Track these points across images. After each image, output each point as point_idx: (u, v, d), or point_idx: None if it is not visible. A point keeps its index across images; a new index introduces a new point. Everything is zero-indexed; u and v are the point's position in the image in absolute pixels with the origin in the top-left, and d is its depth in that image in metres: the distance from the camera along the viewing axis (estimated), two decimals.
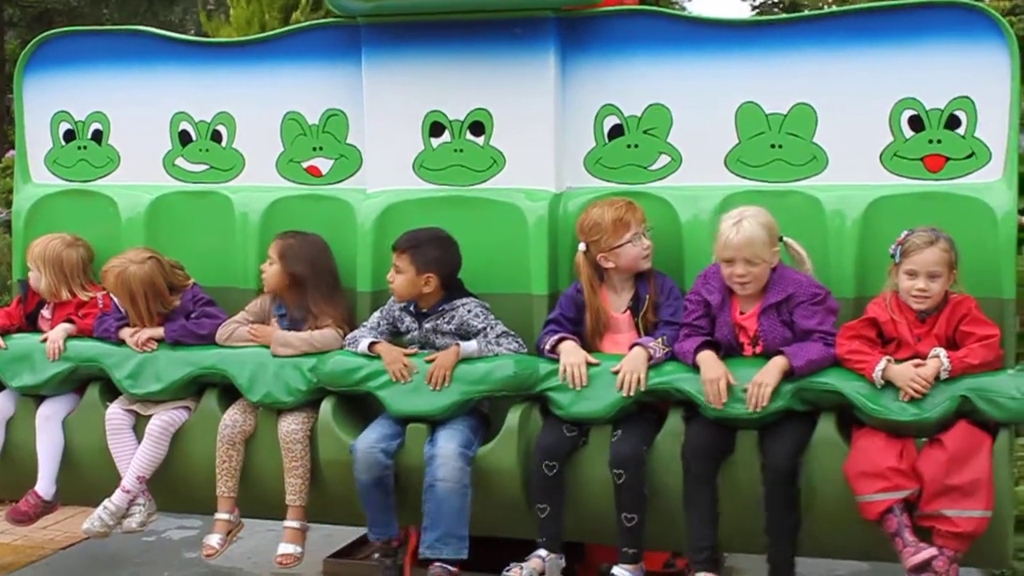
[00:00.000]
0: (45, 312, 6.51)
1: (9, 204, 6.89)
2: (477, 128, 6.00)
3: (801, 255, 5.43)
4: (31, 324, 6.53)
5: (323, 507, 5.88)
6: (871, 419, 5.08)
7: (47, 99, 6.79)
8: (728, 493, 5.29)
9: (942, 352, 5.04)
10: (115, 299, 6.24)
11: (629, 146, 5.87)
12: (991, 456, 4.96)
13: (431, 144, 6.06)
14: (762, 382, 5.12)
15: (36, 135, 6.83)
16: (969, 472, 4.91)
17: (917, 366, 5.01)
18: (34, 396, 6.32)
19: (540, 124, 5.91)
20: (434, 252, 5.73)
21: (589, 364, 5.44)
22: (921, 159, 5.49)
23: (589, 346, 5.58)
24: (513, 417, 5.54)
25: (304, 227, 6.10)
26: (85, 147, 6.73)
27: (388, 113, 6.11)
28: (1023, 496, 6.42)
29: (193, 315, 6.12)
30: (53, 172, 6.80)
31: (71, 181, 6.75)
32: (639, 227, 5.52)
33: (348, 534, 6.56)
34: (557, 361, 5.49)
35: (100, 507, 6.04)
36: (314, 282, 6.00)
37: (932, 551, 4.86)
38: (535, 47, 5.87)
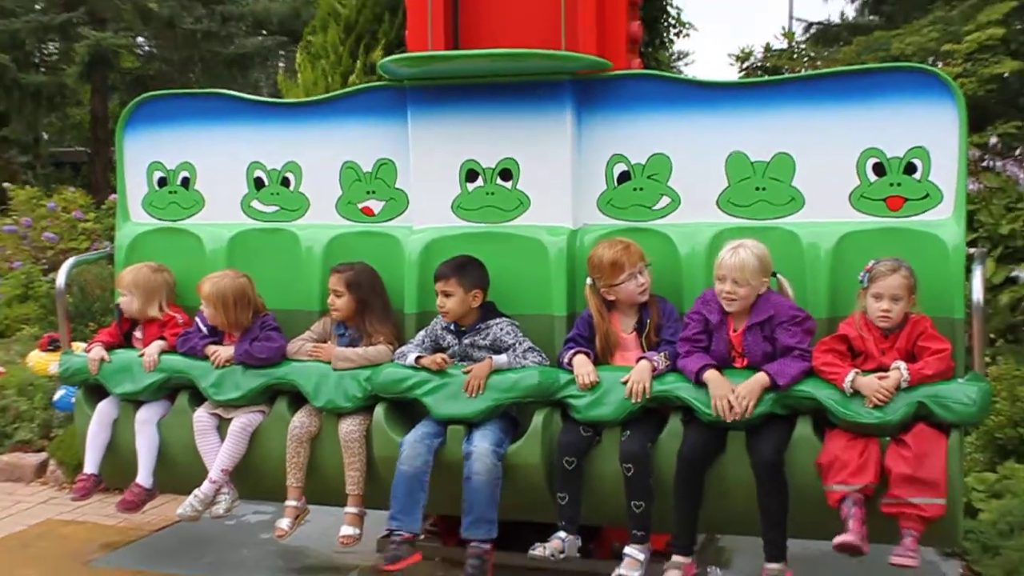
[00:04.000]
0: (137, 332, 6.55)
1: (111, 239, 6.90)
2: (506, 174, 5.99)
3: (786, 290, 5.45)
4: (127, 342, 6.55)
5: (377, 495, 5.88)
6: (841, 421, 5.11)
7: (143, 151, 6.82)
8: (721, 485, 5.31)
9: (902, 364, 5.06)
10: (202, 313, 6.28)
11: (635, 189, 5.87)
12: (947, 454, 4.97)
13: (467, 188, 6.05)
14: (746, 395, 5.15)
15: (134, 182, 6.85)
16: (930, 466, 4.94)
17: (881, 378, 5.04)
18: (133, 402, 6.36)
19: (559, 171, 5.90)
20: (475, 272, 5.78)
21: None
22: (884, 200, 5.48)
23: (601, 361, 5.59)
24: (538, 420, 5.56)
25: (360, 259, 6.11)
26: (175, 192, 6.75)
27: (430, 162, 6.10)
28: (970, 486, 6.42)
29: (257, 339, 6.12)
30: (148, 213, 6.82)
31: (163, 220, 6.77)
32: (634, 267, 5.51)
33: None
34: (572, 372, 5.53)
35: (191, 495, 6.08)
36: (372, 304, 6.02)
37: (852, 538, 4.90)
38: (554, 106, 5.87)
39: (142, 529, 7.05)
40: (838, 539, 4.91)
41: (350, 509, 5.90)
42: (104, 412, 6.41)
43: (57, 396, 8.35)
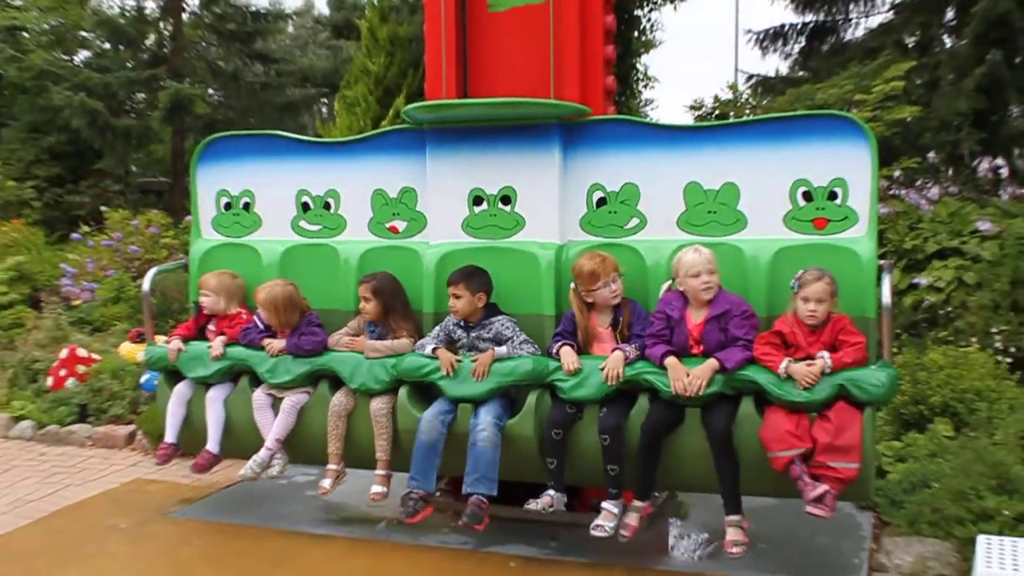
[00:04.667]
0: (211, 326, 6.53)
1: (187, 252, 6.88)
2: (506, 200, 5.95)
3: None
4: (201, 335, 6.54)
5: (401, 460, 5.85)
6: (777, 400, 5.09)
7: (212, 181, 6.79)
8: (679, 452, 5.30)
9: (826, 354, 5.07)
10: (260, 313, 6.28)
11: (610, 212, 5.83)
12: (862, 426, 4.97)
13: (474, 210, 6.02)
14: (700, 376, 5.15)
15: (205, 206, 6.82)
16: (848, 437, 4.95)
17: (809, 365, 5.04)
18: (204, 384, 6.36)
19: (549, 196, 5.87)
20: (480, 279, 5.76)
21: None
22: (811, 221, 5.46)
23: (583, 351, 5.58)
24: (531, 399, 5.53)
25: (386, 269, 6.11)
26: (238, 214, 6.71)
27: (444, 189, 6.07)
28: (880, 452, 6.41)
29: (304, 334, 6.12)
30: (216, 231, 6.79)
31: (228, 237, 6.74)
32: (608, 276, 5.49)
33: None
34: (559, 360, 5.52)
35: (251, 460, 6.07)
36: (394, 307, 6.00)
37: (825, 487, 4.93)
38: (545, 144, 5.85)
39: (211, 487, 7.04)
40: (815, 492, 4.92)
41: (379, 472, 5.88)
42: (180, 392, 6.41)
43: (143, 379, 8.35)
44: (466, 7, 6.17)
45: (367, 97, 12.06)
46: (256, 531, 6.23)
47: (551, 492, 5.50)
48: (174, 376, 6.49)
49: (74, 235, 15.22)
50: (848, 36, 16.40)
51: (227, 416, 6.30)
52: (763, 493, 5.41)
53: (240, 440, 6.27)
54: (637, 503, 5.39)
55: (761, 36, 16.74)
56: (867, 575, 5.35)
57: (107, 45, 23.07)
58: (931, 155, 11.97)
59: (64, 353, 9.26)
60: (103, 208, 16.81)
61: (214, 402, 6.30)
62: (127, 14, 22.77)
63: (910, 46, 14.92)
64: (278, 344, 6.14)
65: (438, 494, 5.88)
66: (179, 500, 6.84)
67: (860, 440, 4.97)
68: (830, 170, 5.43)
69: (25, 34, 22.03)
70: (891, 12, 15.86)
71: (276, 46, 27.16)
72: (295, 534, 6.16)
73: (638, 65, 12.98)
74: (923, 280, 9.12)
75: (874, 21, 16.08)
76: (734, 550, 5.16)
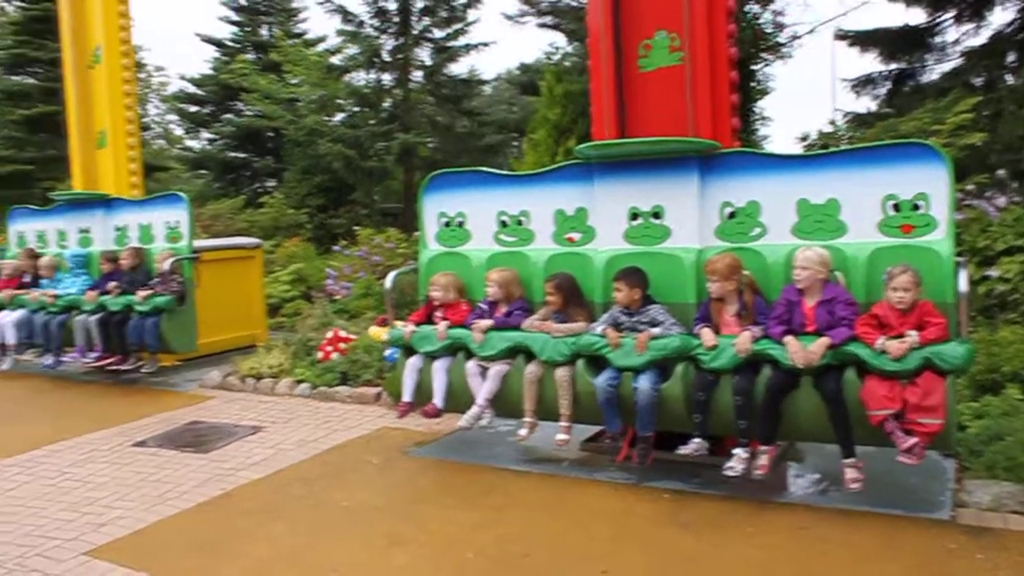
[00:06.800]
0: (437, 313, 6.60)
1: (416, 259, 7.00)
2: (656, 215, 5.87)
3: (841, 281, 5.28)
4: (429, 320, 6.62)
5: (579, 415, 5.84)
6: (875, 369, 4.88)
7: (435, 206, 6.89)
8: (795, 410, 5.15)
9: (914, 332, 4.84)
10: (488, 289, 6.33)
11: (738, 223, 5.69)
12: (945, 390, 4.73)
13: (632, 224, 5.96)
14: (815, 350, 5.00)
15: (429, 224, 6.93)
16: (933, 399, 4.73)
17: (901, 342, 4.82)
18: (432, 356, 6.42)
19: (690, 212, 5.77)
20: (637, 276, 5.72)
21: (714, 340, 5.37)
22: (899, 227, 5.21)
23: (718, 331, 5.45)
24: (679, 368, 5.44)
25: (566, 270, 6.12)
26: (454, 230, 6.80)
27: (608, 208, 6.04)
28: (961, 412, 6.09)
29: (511, 315, 6.21)
30: (438, 243, 6.89)
31: (447, 247, 6.84)
32: (712, 276, 5.45)
33: (593, 430, 6.48)
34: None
35: (467, 413, 6.15)
36: (572, 298, 6.00)
37: (915, 440, 4.75)
38: (686, 171, 5.76)
39: (438, 434, 7.14)
40: (907, 443, 4.77)
41: (563, 423, 5.86)
42: (414, 363, 6.49)
43: (386, 353, 8.46)
44: (622, 69, 6.09)
45: (547, 139, 12.08)
46: (471, 467, 6.29)
47: (697, 440, 5.41)
48: (409, 351, 6.59)
49: (335, 248, 15.69)
50: (924, 80, 15.64)
51: (448, 381, 6.35)
52: (864, 443, 5.19)
53: (458, 399, 6.33)
54: (764, 447, 5.25)
55: (854, 82, 16.09)
56: (951, 509, 5.08)
57: (356, 108, 23.72)
58: (1000, 171, 11.34)
59: (330, 334, 9.52)
60: (355, 228, 17.29)
61: (439, 370, 6.37)
62: (369, 86, 23.36)
63: (977, 85, 14.15)
64: (479, 334, 6.18)
65: (610, 440, 5.81)
66: (414, 443, 6.95)
67: (944, 401, 4.73)
68: (914, 186, 5.18)
69: (299, 103, 22.85)
70: (961, 58, 15.06)
71: (478, 103, 27.40)
72: (500, 469, 6.19)
73: (755, 108, 12.65)
74: (994, 272, 8.70)
75: (947, 66, 15.30)
76: (853, 485, 5.01)
